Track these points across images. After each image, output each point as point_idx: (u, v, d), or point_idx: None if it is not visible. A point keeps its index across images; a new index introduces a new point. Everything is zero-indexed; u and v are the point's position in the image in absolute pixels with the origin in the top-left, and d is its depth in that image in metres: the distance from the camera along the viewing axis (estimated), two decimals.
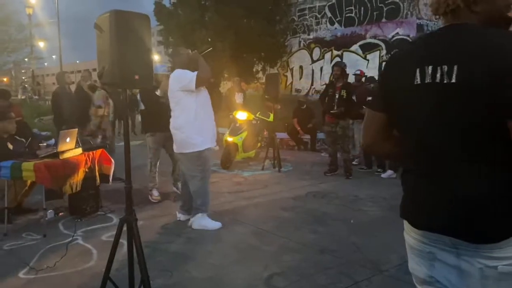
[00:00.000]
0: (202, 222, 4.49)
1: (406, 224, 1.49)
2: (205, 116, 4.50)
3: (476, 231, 1.25)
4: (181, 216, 4.75)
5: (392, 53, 1.54)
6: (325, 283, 3.21)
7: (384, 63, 1.40)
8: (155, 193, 5.64)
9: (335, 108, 6.86)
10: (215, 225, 4.51)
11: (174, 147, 4.63)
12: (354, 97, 7.05)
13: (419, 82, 1.34)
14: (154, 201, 5.56)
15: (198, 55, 4.44)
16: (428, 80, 1.31)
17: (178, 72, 4.46)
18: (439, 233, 1.34)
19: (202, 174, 4.51)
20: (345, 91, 6.86)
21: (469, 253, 1.29)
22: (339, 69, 7.05)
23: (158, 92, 5.54)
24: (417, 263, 1.46)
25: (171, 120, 4.58)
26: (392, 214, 5.00)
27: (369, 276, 3.32)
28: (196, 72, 4.29)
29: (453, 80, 1.24)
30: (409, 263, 1.51)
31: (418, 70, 1.34)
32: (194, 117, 4.40)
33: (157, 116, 5.51)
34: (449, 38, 1.32)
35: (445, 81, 1.26)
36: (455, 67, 1.24)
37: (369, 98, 7.42)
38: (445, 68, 1.26)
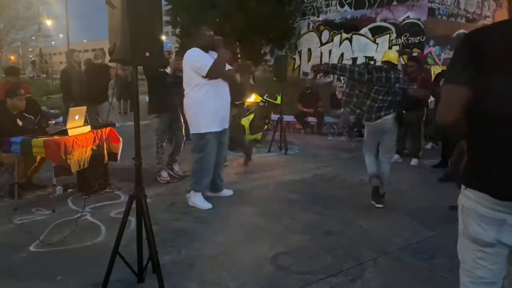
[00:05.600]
0: (194, 199, 4.56)
1: (476, 195, 1.59)
2: (216, 98, 4.40)
3: None
4: (208, 193, 4.76)
5: (468, 32, 1.67)
6: (330, 263, 3.25)
7: (466, 36, 1.60)
8: (164, 174, 5.61)
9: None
10: (204, 205, 4.51)
11: None
12: None
13: None
14: (162, 182, 5.53)
15: (220, 44, 4.36)
16: None
17: (195, 51, 4.36)
18: None
19: (200, 155, 4.51)
20: None
21: None
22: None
23: (168, 70, 5.34)
24: (484, 228, 1.60)
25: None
26: (397, 198, 4.99)
27: (374, 257, 3.34)
28: (211, 63, 4.22)
29: None
30: (472, 229, 1.64)
31: None
32: (201, 98, 4.35)
33: (164, 97, 5.40)
34: None
35: None
36: None
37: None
38: None
